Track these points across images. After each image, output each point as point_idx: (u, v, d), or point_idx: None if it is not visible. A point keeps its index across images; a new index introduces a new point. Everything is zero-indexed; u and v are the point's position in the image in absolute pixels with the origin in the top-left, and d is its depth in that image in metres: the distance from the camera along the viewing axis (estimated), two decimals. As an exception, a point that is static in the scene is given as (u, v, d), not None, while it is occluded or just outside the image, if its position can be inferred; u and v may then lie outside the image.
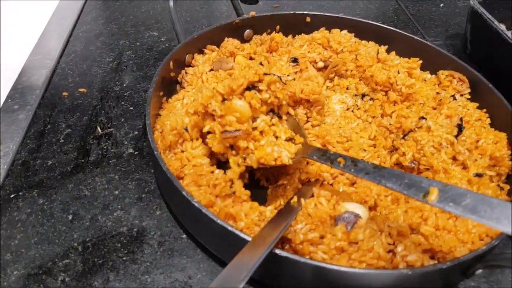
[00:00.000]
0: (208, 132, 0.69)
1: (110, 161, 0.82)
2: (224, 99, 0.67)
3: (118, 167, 0.81)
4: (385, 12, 1.51)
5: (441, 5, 1.59)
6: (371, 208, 0.70)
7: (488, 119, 0.89)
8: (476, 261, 0.60)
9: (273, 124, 0.72)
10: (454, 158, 0.76)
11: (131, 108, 0.95)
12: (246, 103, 0.67)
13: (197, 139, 0.75)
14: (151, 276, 0.65)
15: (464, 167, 0.76)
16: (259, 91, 0.69)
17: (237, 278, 0.48)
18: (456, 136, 0.76)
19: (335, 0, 1.53)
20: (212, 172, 0.69)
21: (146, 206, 0.75)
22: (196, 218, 0.64)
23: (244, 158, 0.68)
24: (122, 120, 0.92)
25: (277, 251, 0.56)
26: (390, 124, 0.84)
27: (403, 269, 0.58)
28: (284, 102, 0.73)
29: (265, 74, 0.70)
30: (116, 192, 0.76)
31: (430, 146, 0.74)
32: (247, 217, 0.64)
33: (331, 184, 0.73)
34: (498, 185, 0.77)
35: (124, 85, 1.02)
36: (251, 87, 0.69)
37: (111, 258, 0.66)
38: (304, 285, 0.61)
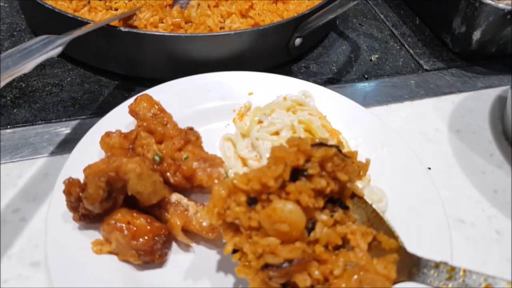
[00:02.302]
0: (234, 250, 0.46)
1: (-18, 15, 0.88)
2: (252, 201, 0.44)
3: (-10, 18, 0.88)
4: None
5: None
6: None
7: None
8: (291, 27, 0.75)
9: (336, 222, 0.46)
10: None
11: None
12: (297, 207, 0.43)
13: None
14: (25, 82, 0.75)
15: None
16: (309, 177, 0.44)
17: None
18: None
19: None
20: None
21: (18, 40, 0.83)
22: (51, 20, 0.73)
23: None
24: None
25: (121, 28, 0.68)
26: None
27: (229, 32, 0.71)
28: (348, 185, 0.47)
29: (314, 145, 0.45)
30: (-11, 35, 0.84)
31: None
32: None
33: None
34: None
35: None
36: (295, 174, 0.44)
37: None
38: (158, 62, 0.73)
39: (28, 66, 0.53)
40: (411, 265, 0.45)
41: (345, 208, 0.47)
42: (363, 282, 0.42)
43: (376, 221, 0.48)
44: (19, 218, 0.58)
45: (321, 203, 0.44)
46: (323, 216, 0.45)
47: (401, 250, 0.46)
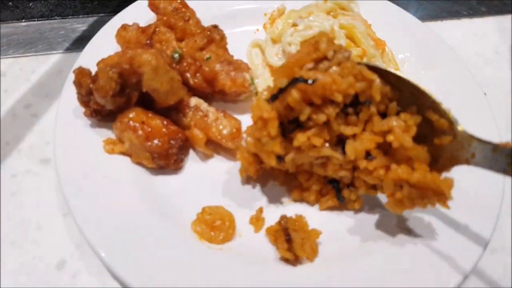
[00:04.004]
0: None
1: None
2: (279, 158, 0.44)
3: None
4: None
5: None
6: None
7: None
8: None
9: (367, 121, 0.43)
10: None
11: None
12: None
13: None
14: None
15: None
16: (307, 121, 0.42)
17: None
18: None
19: None
20: None
21: None
22: None
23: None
24: None
25: None
26: None
27: None
28: (349, 91, 0.41)
29: (281, 90, 0.42)
30: None
31: None
32: None
33: None
34: None
35: None
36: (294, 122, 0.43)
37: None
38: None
39: None
40: (468, 148, 0.39)
41: (368, 104, 0.42)
42: (416, 200, 0.40)
43: (421, 95, 0.42)
44: (30, 114, 0.54)
45: (336, 126, 0.42)
46: (348, 130, 0.42)
47: (454, 129, 0.40)
